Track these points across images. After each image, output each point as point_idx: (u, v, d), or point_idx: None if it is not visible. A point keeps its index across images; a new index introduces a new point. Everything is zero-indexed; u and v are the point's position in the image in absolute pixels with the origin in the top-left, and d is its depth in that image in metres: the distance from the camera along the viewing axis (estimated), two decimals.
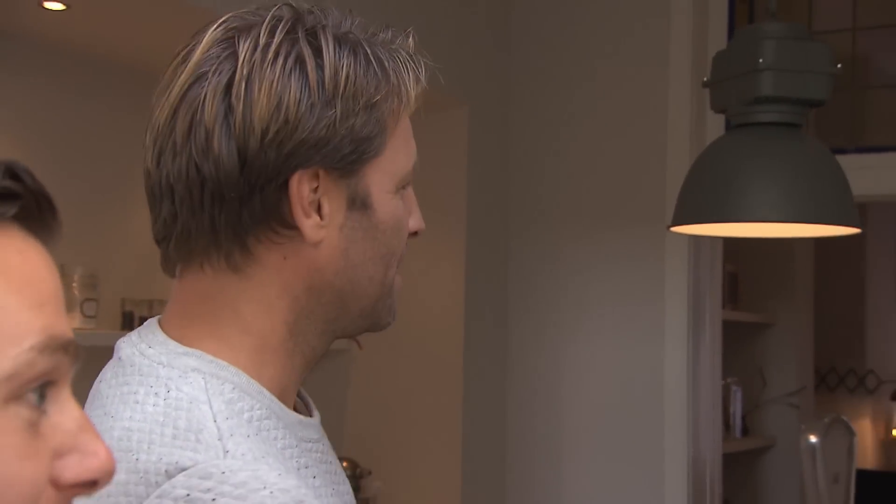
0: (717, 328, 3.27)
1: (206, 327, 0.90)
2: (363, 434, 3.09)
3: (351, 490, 0.99)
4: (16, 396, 0.54)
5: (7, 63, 2.47)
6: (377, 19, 0.95)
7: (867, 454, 5.74)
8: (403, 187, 0.94)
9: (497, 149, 3.28)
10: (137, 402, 0.85)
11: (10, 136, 2.46)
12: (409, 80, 0.91)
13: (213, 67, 0.87)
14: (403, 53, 0.92)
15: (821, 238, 3.24)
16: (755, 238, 2.47)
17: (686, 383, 3.08)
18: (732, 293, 3.98)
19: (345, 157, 0.88)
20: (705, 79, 2.15)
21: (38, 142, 2.51)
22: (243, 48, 0.87)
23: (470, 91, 3.11)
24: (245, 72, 0.86)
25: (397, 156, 0.92)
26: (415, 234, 0.97)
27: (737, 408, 4.03)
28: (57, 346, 0.55)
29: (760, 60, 1.98)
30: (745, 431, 4.15)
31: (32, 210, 0.57)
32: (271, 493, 0.78)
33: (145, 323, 0.94)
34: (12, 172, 0.55)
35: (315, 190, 0.88)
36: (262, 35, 0.88)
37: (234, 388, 0.87)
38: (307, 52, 0.87)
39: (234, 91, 0.86)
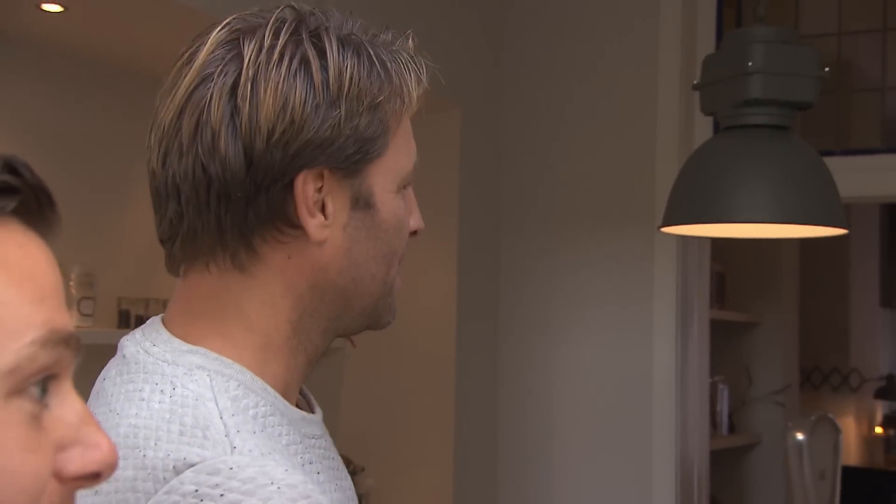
0: (705, 327, 3.27)
1: (211, 325, 0.89)
2: (356, 431, 3.08)
3: (352, 486, 0.98)
4: (18, 390, 0.53)
5: (5, 64, 2.46)
6: (371, 22, 0.95)
7: (850, 451, 5.75)
8: (404, 187, 0.94)
9: (489, 151, 3.28)
10: (143, 400, 0.85)
11: (7, 137, 2.45)
12: (410, 81, 0.91)
13: (219, 69, 0.87)
14: (405, 55, 0.91)
15: (806, 239, 3.24)
16: (743, 238, 2.47)
17: (674, 381, 3.08)
18: (720, 293, 3.98)
19: (349, 158, 0.88)
20: (695, 82, 2.15)
21: (36, 142, 2.50)
22: (248, 49, 0.87)
23: (463, 94, 3.11)
24: (251, 73, 0.86)
25: (399, 156, 0.92)
26: (414, 233, 0.97)
27: (723, 406, 4.04)
28: (58, 340, 0.55)
29: (750, 64, 1.98)
30: (732, 429, 4.16)
31: (32, 204, 0.56)
32: (279, 488, 0.77)
33: (148, 321, 0.94)
34: (11, 167, 0.55)
35: (319, 190, 0.88)
36: (266, 37, 0.87)
37: (238, 386, 0.86)
38: (312, 54, 0.87)
39: (239, 92, 0.86)
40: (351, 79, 0.87)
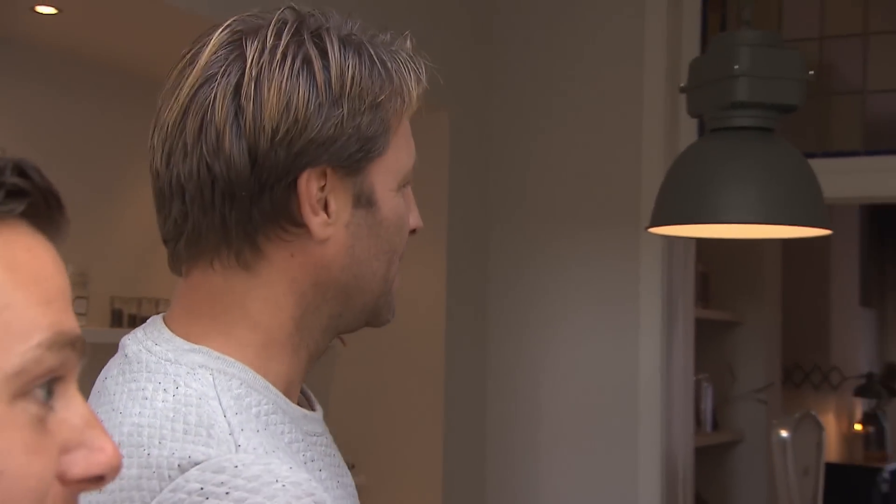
0: (690, 326, 3.28)
1: (214, 324, 0.89)
2: (346, 429, 3.07)
3: (353, 482, 0.98)
4: (24, 393, 0.53)
5: None
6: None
7: (830, 448, 5.77)
8: (404, 186, 0.94)
9: (477, 152, 3.28)
10: (146, 399, 0.84)
11: (1, 137, 2.43)
12: (410, 81, 0.91)
13: (222, 69, 0.87)
14: (404, 55, 0.91)
15: (788, 239, 3.25)
16: (726, 239, 2.48)
17: (660, 379, 3.09)
18: (704, 292, 3.99)
19: (351, 156, 0.88)
20: (682, 84, 2.15)
21: (29, 143, 2.48)
22: (251, 50, 0.87)
23: (451, 95, 3.10)
24: (254, 73, 0.86)
25: (400, 154, 0.92)
26: (413, 231, 0.97)
27: (707, 403, 4.04)
28: (64, 343, 0.54)
29: (736, 67, 1.98)
30: (716, 426, 4.16)
31: (41, 207, 0.56)
32: (283, 486, 0.77)
33: (149, 320, 0.93)
34: (21, 170, 0.54)
35: (322, 188, 0.88)
36: (268, 37, 0.87)
37: (241, 384, 0.86)
38: (314, 53, 0.87)
39: (243, 92, 0.85)
40: (353, 78, 0.87)
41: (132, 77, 2.66)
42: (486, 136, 3.31)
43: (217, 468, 0.78)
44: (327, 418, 0.98)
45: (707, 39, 3.22)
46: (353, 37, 0.89)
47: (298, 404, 0.93)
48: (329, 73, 0.86)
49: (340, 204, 0.89)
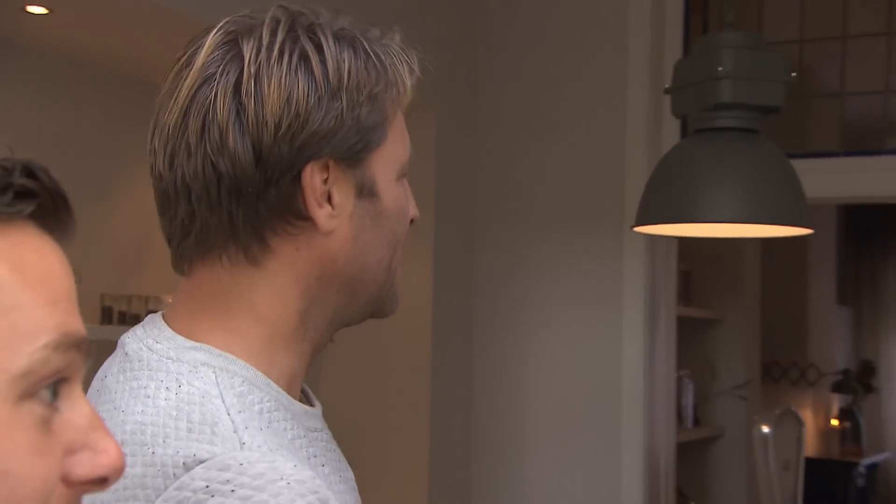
0: (672, 324, 3.28)
1: (218, 320, 0.88)
2: (333, 425, 3.06)
3: (353, 476, 0.98)
4: (30, 394, 0.52)
5: None
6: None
7: (808, 443, 5.79)
8: (403, 175, 0.94)
9: (464, 152, 3.27)
10: (148, 397, 0.84)
11: None
12: (404, 72, 0.91)
13: (220, 68, 0.87)
14: (395, 47, 0.92)
15: (767, 238, 3.26)
16: (707, 238, 2.48)
17: (642, 376, 3.09)
18: (685, 290, 4.00)
19: (352, 147, 0.88)
20: (667, 86, 2.15)
21: (19, 142, 2.45)
22: (248, 48, 0.87)
23: (438, 96, 3.10)
24: (253, 70, 0.86)
25: (397, 145, 0.92)
26: (411, 221, 0.97)
27: (688, 399, 4.05)
28: (71, 344, 0.53)
29: (720, 68, 1.99)
30: (696, 422, 4.17)
31: (48, 208, 0.55)
32: (288, 483, 0.77)
33: (147, 318, 0.92)
34: (29, 171, 0.54)
35: (325, 181, 0.88)
36: (264, 35, 0.87)
37: (243, 382, 0.86)
38: (310, 49, 0.87)
39: (243, 89, 0.85)
40: (349, 71, 0.87)
41: (123, 77, 2.64)
42: (473, 136, 3.31)
43: (222, 466, 0.77)
44: None
45: (689, 42, 3.23)
46: (346, 31, 0.90)
47: (299, 400, 0.93)
48: (326, 67, 0.87)
49: (344, 196, 0.89)
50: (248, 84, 0.85)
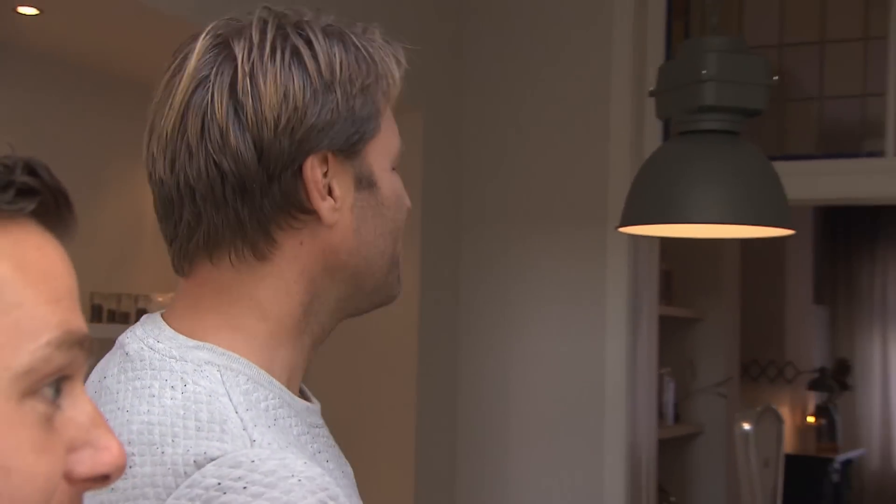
0: (654, 323, 3.29)
1: (222, 318, 0.88)
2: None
3: (352, 471, 0.97)
4: (32, 391, 0.51)
5: None
6: None
7: (785, 439, 5.82)
8: (396, 166, 0.94)
9: (450, 153, 3.27)
10: (153, 396, 0.83)
11: None
12: (391, 63, 0.92)
13: (213, 70, 0.86)
14: (379, 40, 0.92)
15: (746, 239, 3.26)
16: (688, 238, 2.48)
17: (625, 374, 3.09)
18: (667, 290, 4.00)
19: (349, 139, 0.88)
20: (651, 88, 2.15)
21: (8, 140, 2.44)
22: (240, 48, 0.87)
23: (424, 97, 3.09)
24: (247, 69, 0.86)
25: (390, 135, 0.93)
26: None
27: (669, 397, 4.06)
28: (73, 342, 0.53)
29: (704, 72, 1.99)
30: (677, 419, 4.18)
31: (50, 206, 0.54)
32: (299, 480, 0.76)
33: (144, 318, 0.91)
34: (31, 168, 0.53)
35: (325, 174, 0.88)
36: (254, 34, 0.87)
37: (247, 380, 0.85)
38: (301, 45, 0.87)
39: (239, 88, 0.85)
40: (341, 64, 0.87)
41: (113, 77, 2.63)
42: (459, 138, 3.30)
43: (234, 463, 0.77)
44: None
45: (671, 46, 3.24)
46: (333, 27, 0.90)
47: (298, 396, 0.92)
48: (318, 61, 0.87)
49: (344, 188, 0.89)
50: (243, 83, 0.85)
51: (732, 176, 1.98)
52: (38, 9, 2.19)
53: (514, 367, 3.22)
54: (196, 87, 0.86)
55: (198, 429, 0.79)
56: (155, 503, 0.78)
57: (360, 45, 0.90)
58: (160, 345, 0.87)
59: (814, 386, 6.15)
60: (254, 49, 0.86)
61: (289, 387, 0.90)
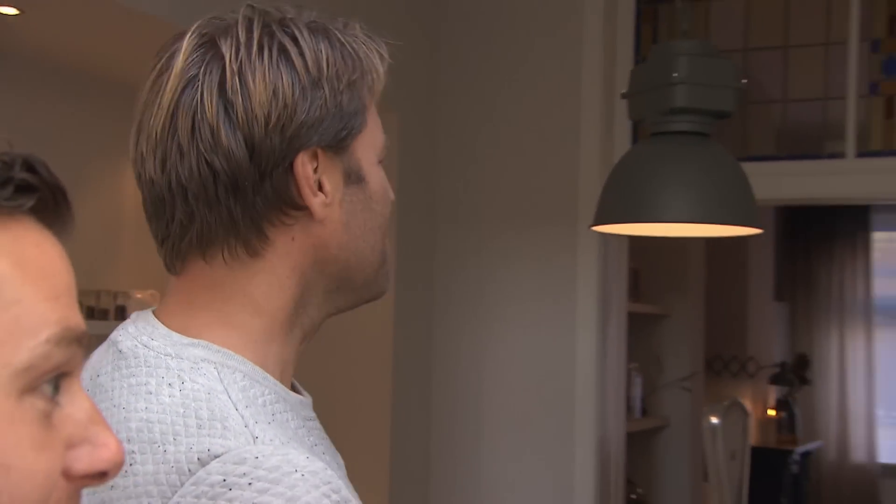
0: (623, 319, 3.29)
1: (215, 314, 0.87)
2: None
3: (344, 463, 0.97)
4: (32, 388, 0.50)
5: None
6: None
7: None
8: (381, 160, 0.94)
9: (425, 152, 3.26)
10: (151, 394, 0.81)
11: None
12: (375, 59, 0.91)
13: (201, 69, 0.85)
14: (361, 35, 0.92)
15: (710, 238, 3.28)
16: (656, 237, 2.49)
17: (595, 369, 3.10)
18: (634, 287, 4.01)
19: (337, 134, 0.87)
20: (623, 91, 2.15)
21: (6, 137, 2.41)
22: (227, 47, 0.85)
23: (400, 98, 3.08)
24: (235, 67, 0.84)
25: (375, 130, 0.92)
26: None
27: (637, 391, 4.07)
28: (72, 338, 0.51)
29: (675, 75, 1.99)
30: (644, 412, 4.20)
31: (48, 203, 0.53)
32: (302, 475, 0.75)
33: (135, 315, 0.90)
34: (29, 165, 0.51)
35: (315, 170, 0.87)
36: (240, 33, 0.86)
37: (244, 377, 0.84)
38: (287, 42, 0.86)
39: (228, 87, 0.84)
40: (327, 61, 0.87)
41: (93, 77, 2.59)
42: (434, 138, 3.29)
43: (238, 460, 0.76)
44: None
45: (640, 49, 3.25)
46: (317, 24, 0.89)
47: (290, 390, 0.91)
48: (305, 58, 0.86)
49: (334, 183, 0.88)
50: (232, 81, 0.84)
51: (702, 177, 1.98)
52: (18, 9, 2.16)
53: (486, 362, 3.21)
54: (185, 87, 0.85)
55: (199, 426, 0.78)
56: (159, 501, 0.76)
57: (344, 42, 0.89)
58: (154, 342, 0.85)
59: (774, 380, 6.20)
60: (241, 47, 0.85)
61: (281, 381, 0.88)
